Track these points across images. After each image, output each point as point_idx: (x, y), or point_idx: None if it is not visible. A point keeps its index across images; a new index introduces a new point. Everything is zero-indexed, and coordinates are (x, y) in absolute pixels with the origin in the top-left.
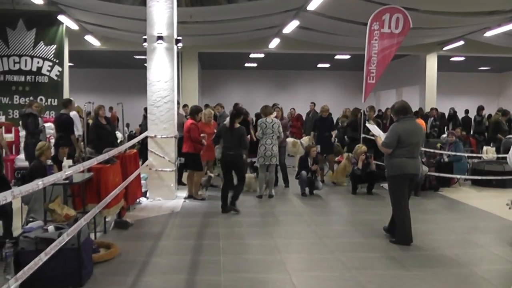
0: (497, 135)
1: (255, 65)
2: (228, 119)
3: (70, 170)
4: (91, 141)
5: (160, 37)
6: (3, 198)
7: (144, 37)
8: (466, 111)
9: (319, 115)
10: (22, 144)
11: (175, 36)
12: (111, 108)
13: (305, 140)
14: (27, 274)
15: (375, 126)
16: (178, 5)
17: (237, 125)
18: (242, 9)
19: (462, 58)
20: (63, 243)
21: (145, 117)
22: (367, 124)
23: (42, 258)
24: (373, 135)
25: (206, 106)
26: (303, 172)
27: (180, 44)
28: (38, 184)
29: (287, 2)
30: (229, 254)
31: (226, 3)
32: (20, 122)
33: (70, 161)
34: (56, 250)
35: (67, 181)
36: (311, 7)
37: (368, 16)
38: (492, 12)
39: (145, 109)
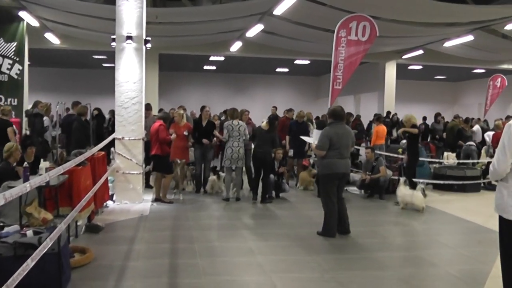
0: (458, 141)
1: (214, 68)
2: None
3: (53, 172)
4: (77, 141)
5: (129, 37)
6: None
7: (113, 36)
8: (424, 118)
9: (295, 120)
10: None
11: (144, 37)
12: (67, 109)
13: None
14: (16, 281)
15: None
16: None
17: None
18: (208, 12)
19: (420, 67)
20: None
21: (94, 117)
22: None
23: (29, 264)
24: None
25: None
26: (271, 176)
27: (149, 45)
28: (26, 186)
29: (253, 6)
30: (206, 257)
31: (190, 5)
32: (27, 122)
33: (47, 163)
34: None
35: (43, 184)
36: (278, 11)
37: (333, 23)
38: (451, 24)
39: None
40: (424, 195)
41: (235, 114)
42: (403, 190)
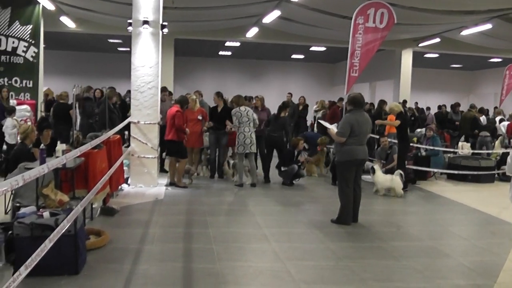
0: (474, 131)
1: (229, 53)
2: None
3: (69, 155)
4: (102, 123)
5: (145, 22)
6: (15, 183)
7: (129, 21)
8: (439, 107)
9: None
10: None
11: (161, 21)
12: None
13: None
14: (35, 261)
15: (323, 121)
16: None
17: (283, 115)
18: None
19: (436, 55)
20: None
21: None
22: (319, 120)
23: (47, 244)
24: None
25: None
26: (295, 166)
27: (165, 30)
28: (44, 168)
29: None
30: (221, 242)
31: None
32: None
33: (63, 145)
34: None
35: (60, 166)
36: None
37: (350, 10)
38: (469, 12)
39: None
40: (402, 180)
41: (241, 100)
42: (381, 176)
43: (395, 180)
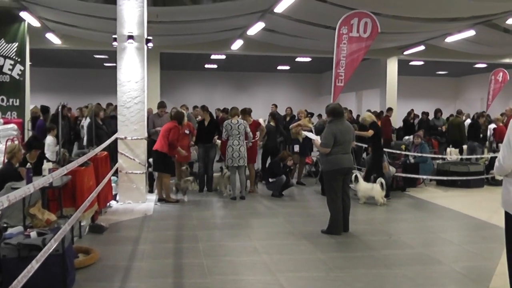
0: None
1: (215, 66)
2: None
3: (56, 173)
4: (89, 140)
5: (130, 37)
6: (0, 204)
7: (114, 36)
8: (427, 114)
9: None
10: None
11: (146, 36)
12: (69, 109)
13: None
14: (21, 283)
15: (309, 133)
16: None
17: (272, 124)
18: (209, 10)
19: (421, 63)
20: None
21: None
22: (304, 132)
23: (34, 265)
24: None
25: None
26: (283, 177)
27: (150, 44)
28: (30, 187)
29: (254, 4)
30: (211, 256)
31: (190, 3)
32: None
33: (50, 164)
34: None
35: (47, 185)
36: (279, 9)
37: (334, 20)
38: (453, 19)
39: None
40: (383, 188)
41: (232, 111)
42: (362, 184)
43: (375, 189)
